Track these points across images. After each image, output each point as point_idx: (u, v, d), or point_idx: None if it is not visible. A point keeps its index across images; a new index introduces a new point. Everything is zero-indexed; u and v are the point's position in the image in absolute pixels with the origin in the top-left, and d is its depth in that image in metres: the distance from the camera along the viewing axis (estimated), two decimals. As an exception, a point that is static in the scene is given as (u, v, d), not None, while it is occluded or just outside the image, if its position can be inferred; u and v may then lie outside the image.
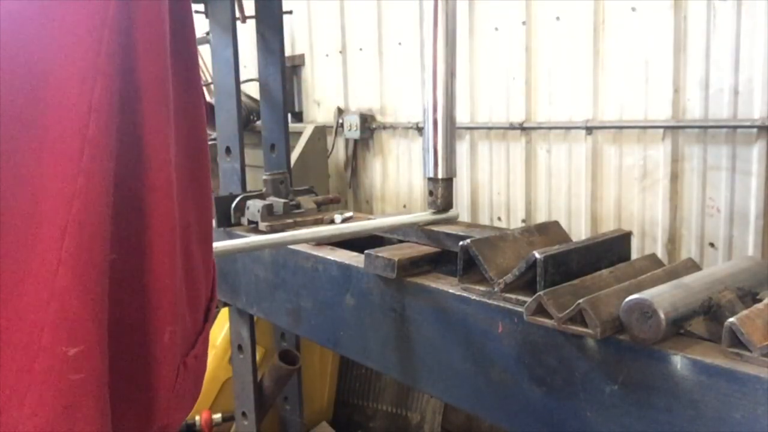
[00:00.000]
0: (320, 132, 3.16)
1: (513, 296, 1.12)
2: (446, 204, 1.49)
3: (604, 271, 1.13)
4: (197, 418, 2.44)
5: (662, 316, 0.91)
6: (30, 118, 0.44)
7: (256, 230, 1.85)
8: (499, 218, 2.61)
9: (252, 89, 2.98)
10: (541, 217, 2.44)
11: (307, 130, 3.14)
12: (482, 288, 1.17)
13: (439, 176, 1.48)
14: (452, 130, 1.47)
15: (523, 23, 2.38)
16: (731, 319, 0.87)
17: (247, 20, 2.37)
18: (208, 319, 0.70)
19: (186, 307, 0.63)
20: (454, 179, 1.52)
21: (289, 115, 2.60)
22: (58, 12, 0.44)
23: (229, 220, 1.91)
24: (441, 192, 1.48)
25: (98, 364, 0.47)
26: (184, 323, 0.63)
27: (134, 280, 0.52)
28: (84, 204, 0.45)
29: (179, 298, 0.61)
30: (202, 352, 0.67)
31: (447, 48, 1.41)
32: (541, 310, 1.02)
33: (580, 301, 0.96)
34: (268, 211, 1.84)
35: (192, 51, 0.61)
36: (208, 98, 2.55)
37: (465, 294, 1.20)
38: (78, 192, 0.45)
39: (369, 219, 1.61)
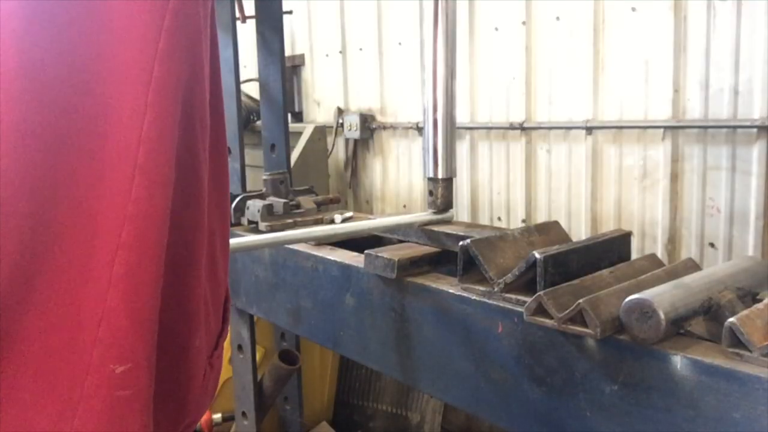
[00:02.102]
0: (320, 132, 3.16)
1: (513, 296, 1.12)
2: (446, 204, 1.49)
3: (604, 271, 1.13)
4: (197, 418, 2.44)
5: (662, 316, 0.91)
6: (88, 149, 0.47)
7: (256, 230, 1.85)
8: (499, 218, 2.61)
9: (252, 89, 2.98)
10: (541, 217, 2.44)
11: (307, 130, 3.14)
12: (482, 288, 1.17)
13: (439, 176, 1.47)
14: (452, 130, 1.47)
15: (523, 23, 2.38)
16: (731, 319, 0.87)
17: (247, 20, 2.37)
18: (226, 319, 0.73)
19: (211, 311, 0.67)
20: (454, 179, 1.52)
21: (289, 115, 2.60)
22: (114, 51, 0.48)
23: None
24: (441, 192, 1.48)
25: (144, 381, 0.50)
26: (210, 327, 0.66)
27: (173, 291, 0.55)
28: (133, 231, 0.48)
29: (207, 304, 0.64)
30: (222, 352, 0.72)
31: (447, 48, 1.41)
32: (541, 310, 1.02)
33: (580, 301, 0.96)
34: (268, 211, 1.84)
35: (216, 52, 0.63)
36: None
37: (465, 294, 1.20)
38: (127, 219, 0.48)
39: (369, 219, 1.61)
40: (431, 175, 1.48)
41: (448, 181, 1.49)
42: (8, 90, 0.44)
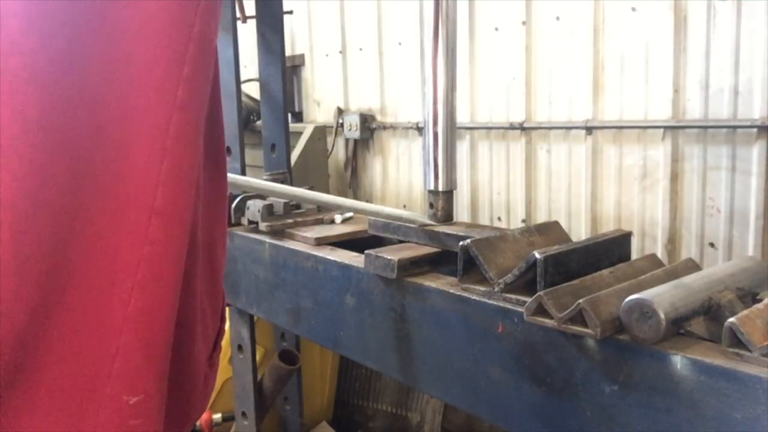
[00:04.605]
0: (320, 132, 3.16)
1: (513, 296, 1.12)
2: (446, 216, 1.49)
3: (604, 271, 1.13)
4: (197, 418, 2.44)
5: (662, 316, 0.91)
6: (106, 192, 0.48)
7: (257, 230, 1.85)
8: (499, 218, 2.61)
9: (252, 89, 2.98)
10: (541, 217, 2.44)
11: (307, 130, 3.14)
12: (482, 288, 1.17)
13: (440, 189, 1.48)
14: (453, 143, 1.47)
15: (523, 23, 2.38)
16: (731, 319, 0.87)
17: (247, 20, 2.37)
18: (223, 319, 0.76)
19: (209, 317, 0.69)
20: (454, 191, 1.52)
21: (289, 115, 2.60)
22: (134, 97, 0.49)
23: (228, 220, 1.91)
24: (441, 205, 1.49)
25: (155, 409, 0.52)
26: (207, 332, 0.69)
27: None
28: (149, 271, 0.50)
29: (204, 312, 0.67)
30: (219, 352, 0.75)
31: (447, 59, 1.41)
32: (541, 310, 1.02)
33: (580, 301, 0.96)
34: (268, 211, 1.84)
35: (216, 64, 0.64)
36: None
37: (465, 294, 1.20)
38: (143, 259, 0.50)
39: (369, 217, 1.61)
40: (431, 187, 1.48)
41: (449, 194, 1.49)
42: (27, 135, 0.44)
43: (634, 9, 2.07)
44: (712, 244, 1.99)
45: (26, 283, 0.45)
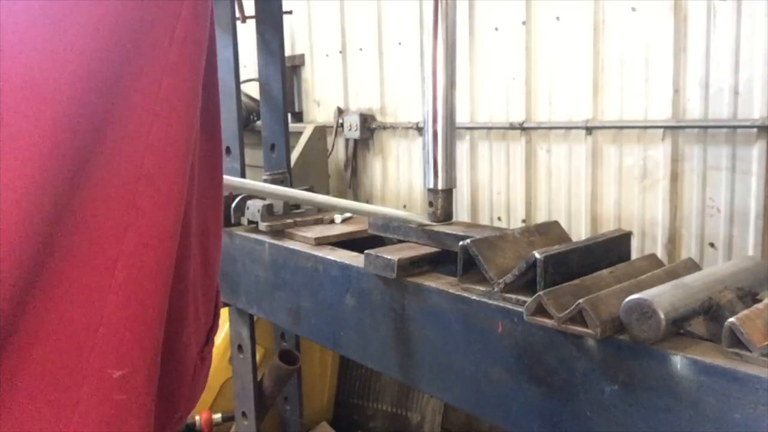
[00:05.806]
0: (320, 132, 3.15)
1: (513, 296, 1.12)
2: (446, 215, 1.50)
3: (604, 271, 1.13)
4: (197, 418, 2.44)
5: (662, 316, 0.91)
6: (89, 156, 0.46)
7: (256, 230, 1.85)
8: (499, 218, 2.61)
9: (252, 89, 2.98)
10: (541, 217, 2.44)
11: (307, 130, 3.14)
12: (482, 288, 1.17)
13: (439, 187, 1.48)
14: (452, 141, 1.47)
15: (523, 23, 2.38)
16: (731, 319, 0.87)
17: (247, 20, 2.37)
18: (216, 314, 0.74)
19: (202, 307, 0.67)
20: (454, 190, 1.52)
21: (289, 115, 2.60)
22: (122, 59, 0.47)
23: (229, 220, 1.91)
24: (441, 203, 1.49)
25: (143, 386, 0.50)
26: (200, 323, 0.67)
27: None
28: (137, 237, 0.48)
29: (197, 302, 0.65)
30: (212, 347, 0.73)
31: (447, 58, 1.41)
32: (541, 310, 1.02)
33: (580, 301, 0.96)
34: (268, 211, 1.84)
35: (214, 50, 0.63)
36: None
37: (465, 294, 1.20)
38: (130, 227, 0.48)
39: (369, 218, 1.61)
40: (431, 186, 1.49)
41: (448, 192, 1.49)
42: (8, 95, 0.43)
43: (634, 9, 2.07)
44: (712, 244, 1.99)
45: (6, 251, 0.43)
